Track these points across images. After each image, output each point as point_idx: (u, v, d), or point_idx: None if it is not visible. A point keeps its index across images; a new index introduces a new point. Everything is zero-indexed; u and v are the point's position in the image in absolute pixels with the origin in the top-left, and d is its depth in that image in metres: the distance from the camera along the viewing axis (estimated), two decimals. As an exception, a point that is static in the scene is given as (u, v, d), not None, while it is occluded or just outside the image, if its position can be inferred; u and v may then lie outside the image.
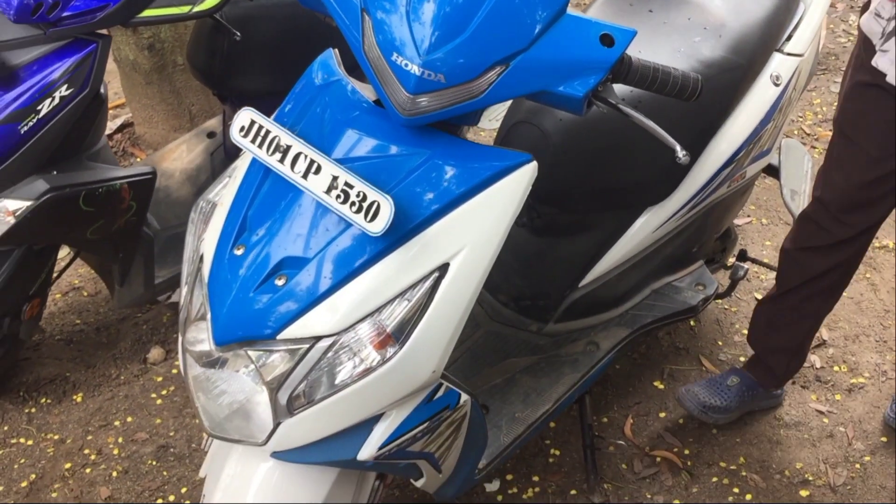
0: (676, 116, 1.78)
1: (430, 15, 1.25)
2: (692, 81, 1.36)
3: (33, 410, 2.46)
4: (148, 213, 2.42)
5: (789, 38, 2.10)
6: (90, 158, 2.25)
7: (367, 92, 1.39)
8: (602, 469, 2.25)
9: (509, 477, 2.24)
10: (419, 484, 1.61)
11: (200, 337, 1.36)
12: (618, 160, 1.92)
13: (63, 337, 2.70)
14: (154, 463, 2.30)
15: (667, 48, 1.95)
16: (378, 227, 1.22)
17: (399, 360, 1.30)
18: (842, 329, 2.64)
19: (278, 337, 1.29)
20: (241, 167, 1.44)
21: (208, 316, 1.34)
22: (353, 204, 1.24)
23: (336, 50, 1.46)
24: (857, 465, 2.28)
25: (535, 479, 2.24)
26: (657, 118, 1.37)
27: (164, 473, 2.28)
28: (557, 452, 2.30)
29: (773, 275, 2.76)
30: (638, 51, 1.66)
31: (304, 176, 1.27)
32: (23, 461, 2.33)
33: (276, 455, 1.41)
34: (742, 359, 2.55)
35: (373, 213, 1.23)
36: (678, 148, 1.36)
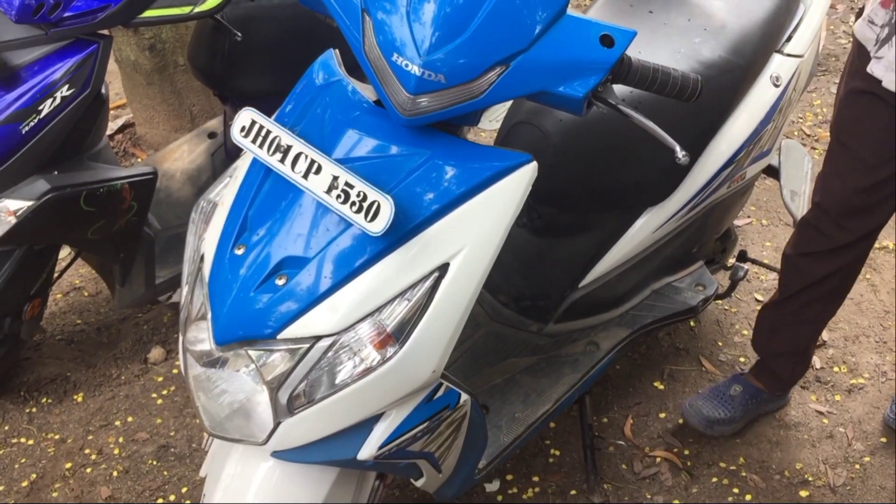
0: (676, 117, 1.78)
1: (430, 15, 1.25)
2: (692, 82, 1.36)
3: (34, 410, 2.46)
4: (149, 214, 2.42)
5: (789, 39, 2.10)
6: (91, 159, 2.25)
7: (367, 92, 1.40)
8: (602, 469, 2.25)
9: (509, 477, 2.24)
10: (419, 484, 1.61)
11: (201, 336, 1.36)
12: (618, 161, 1.92)
13: (64, 337, 2.70)
14: (154, 463, 2.31)
15: (667, 49, 1.95)
16: (378, 227, 1.23)
17: (399, 360, 1.30)
18: (842, 330, 2.64)
19: (279, 336, 1.30)
20: (241, 167, 1.44)
21: (209, 315, 1.34)
22: (353, 204, 1.24)
23: (337, 50, 1.47)
24: (857, 466, 2.28)
25: (535, 479, 2.24)
26: (657, 119, 1.37)
27: (165, 473, 2.28)
28: (557, 452, 2.30)
29: (773, 275, 2.77)
30: (638, 51, 1.67)
31: (305, 176, 1.28)
32: (23, 461, 2.33)
33: (277, 454, 1.41)
34: (742, 360, 2.55)
35: (373, 213, 1.23)
36: (678, 148, 1.36)
